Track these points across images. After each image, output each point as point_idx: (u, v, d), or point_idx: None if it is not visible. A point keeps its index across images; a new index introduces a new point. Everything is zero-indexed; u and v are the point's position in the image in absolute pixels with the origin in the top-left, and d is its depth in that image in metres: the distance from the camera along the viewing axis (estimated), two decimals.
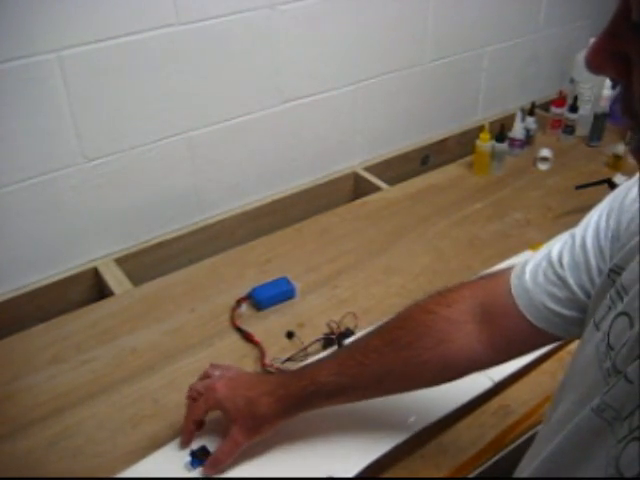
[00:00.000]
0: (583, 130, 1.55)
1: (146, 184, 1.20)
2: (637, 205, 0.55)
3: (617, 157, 1.44)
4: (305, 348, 0.96)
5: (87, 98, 1.05)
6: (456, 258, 1.18)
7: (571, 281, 0.61)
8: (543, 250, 0.66)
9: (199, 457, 0.78)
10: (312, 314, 1.05)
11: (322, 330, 0.99)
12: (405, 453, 0.81)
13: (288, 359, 0.94)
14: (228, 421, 0.76)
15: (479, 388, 0.87)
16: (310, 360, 0.93)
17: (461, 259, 1.17)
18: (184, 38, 1.10)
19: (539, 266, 0.65)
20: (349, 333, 0.98)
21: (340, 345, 0.93)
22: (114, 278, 1.15)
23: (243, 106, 1.24)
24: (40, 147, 1.05)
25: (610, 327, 0.50)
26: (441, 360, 0.70)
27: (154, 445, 0.82)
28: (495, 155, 1.42)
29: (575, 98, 1.52)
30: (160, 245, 1.24)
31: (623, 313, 0.49)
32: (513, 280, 0.67)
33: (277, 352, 0.97)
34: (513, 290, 0.66)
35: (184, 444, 0.80)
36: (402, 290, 1.09)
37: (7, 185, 1.04)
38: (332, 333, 0.97)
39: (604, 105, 1.52)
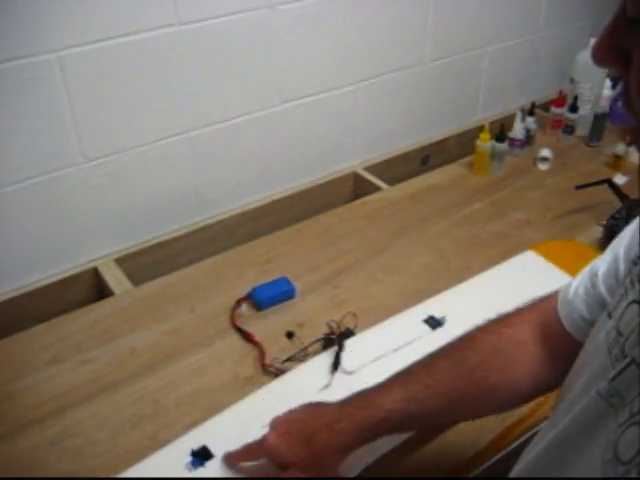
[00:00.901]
0: (583, 130, 1.55)
1: (146, 184, 1.20)
2: None
3: (617, 157, 1.44)
4: (305, 348, 0.96)
5: (87, 98, 1.05)
6: (456, 258, 1.18)
7: (602, 288, 0.61)
8: (591, 263, 0.67)
9: (200, 457, 0.78)
10: (312, 314, 1.05)
11: (322, 330, 0.99)
12: (405, 453, 0.81)
13: (288, 359, 0.94)
14: (287, 465, 0.70)
15: None
16: (310, 361, 0.93)
17: (461, 259, 1.17)
18: (184, 38, 1.10)
19: (583, 279, 0.65)
20: (349, 333, 0.98)
21: (341, 345, 0.93)
22: (114, 278, 1.15)
23: (243, 106, 1.24)
24: (40, 147, 1.05)
25: (621, 315, 0.50)
26: (509, 384, 0.67)
27: (154, 445, 0.82)
28: (495, 155, 1.42)
29: (575, 98, 1.52)
30: (160, 245, 1.24)
31: (635, 301, 0.49)
32: (560, 295, 0.67)
33: (277, 352, 0.97)
34: (559, 305, 0.66)
35: (229, 463, 0.78)
36: (402, 290, 1.09)
37: (7, 185, 1.04)
38: (332, 333, 0.97)
39: (604, 105, 1.52)
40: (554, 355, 0.67)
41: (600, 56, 0.39)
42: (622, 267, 0.60)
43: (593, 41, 0.40)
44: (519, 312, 0.71)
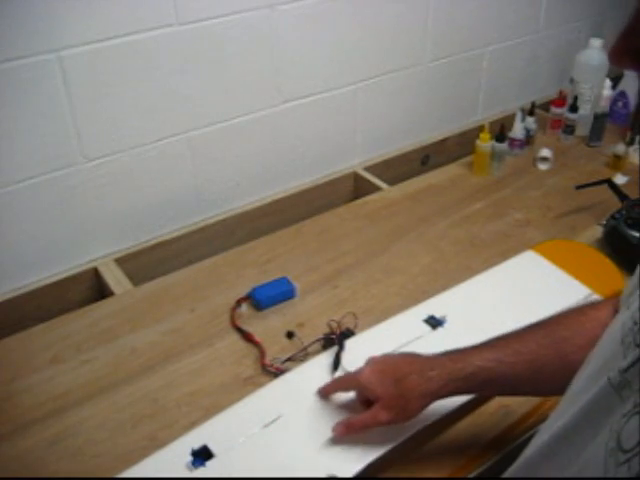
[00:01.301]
0: (583, 130, 1.55)
1: (146, 184, 1.20)
2: None
3: (617, 157, 1.44)
4: (305, 348, 0.96)
5: (87, 98, 1.05)
6: (456, 258, 1.18)
7: None
8: None
9: (200, 457, 0.78)
10: (312, 314, 1.05)
11: (322, 330, 0.99)
12: (405, 453, 0.81)
13: (288, 359, 0.94)
14: (374, 400, 0.77)
15: None
16: (310, 361, 0.93)
17: (461, 259, 1.17)
18: (184, 38, 1.10)
19: None
20: (349, 333, 0.98)
21: (341, 345, 0.93)
22: (114, 278, 1.15)
23: (243, 106, 1.24)
24: (40, 147, 1.05)
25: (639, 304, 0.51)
26: None
27: (154, 445, 0.82)
28: (495, 155, 1.42)
29: (575, 98, 1.52)
30: (160, 245, 1.24)
31: None
32: None
33: (277, 352, 0.97)
34: None
35: (322, 396, 0.85)
36: (402, 290, 1.09)
37: (7, 185, 1.04)
38: (332, 333, 0.97)
39: (604, 105, 1.52)
40: None
41: (616, 59, 0.41)
42: None
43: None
44: (606, 299, 0.76)
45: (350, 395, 0.84)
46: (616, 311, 0.68)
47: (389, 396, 0.75)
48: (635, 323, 0.50)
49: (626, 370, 0.47)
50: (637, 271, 0.60)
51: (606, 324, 0.66)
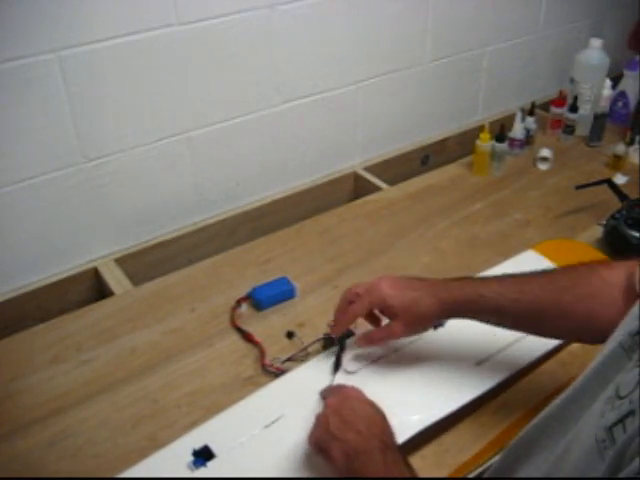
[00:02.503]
0: (583, 130, 1.55)
1: (146, 184, 1.20)
2: None
3: (617, 157, 1.44)
4: (305, 348, 0.96)
5: (87, 98, 1.05)
6: (456, 258, 1.18)
7: None
8: None
9: (201, 457, 0.78)
10: (312, 314, 1.05)
11: (322, 330, 0.99)
12: (405, 453, 0.81)
13: (288, 359, 0.94)
14: (390, 315, 0.84)
15: (482, 387, 0.87)
16: (310, 361, 0.93)
17: (461, 259, 1.17)
18: (184, 38, 1.10)
19: None
20: (349, 333, 0.97)
21: (342, 345, 0.93)
22: (114, 278, 1.15)
23: (243, 106, 1.24)
24: (40, 147, 1.04)
25: None
26: (587, 313, 0.75)
27: (154, 445, 0.82)
28: (495, 155, 1.42)
29: (575, 98, 1.52)
30: (160, 245, 1.24)
31: None
32: None
33: (277, 352, 0.97)
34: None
35: (336, 333, 0.89)
36: None
37: (7, 185, 1.04)
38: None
39: (604, 105, 1.52)
40: (628, 306, 0.72)
41: (634, 44, 0.45)
42: None
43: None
44: (621, 260, 0.79)
45: None
46: (629, 277, 0.74)
47: (407, 313, 0.82)
48: None
49: (637, 333, 0.51)
50: None
51: (614, 285, 0.75)
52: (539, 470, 0.60)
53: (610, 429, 0.46)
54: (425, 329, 0.85)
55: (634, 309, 0.57)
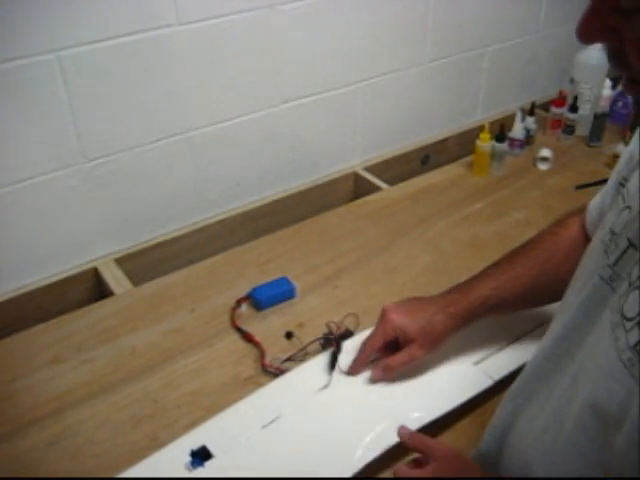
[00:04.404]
0: (583, 130, 1.55)
1: (146, 184, 1.20)
2: None
3: (617, 157, 1.43)
4: (304, 348, 0.96)
5: (87, 98, 1.06)
6: (456, 258, 1.18)
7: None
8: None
9: (199, 457, 0.78)
10: (312, 314, 1.05)
11: (322, 330, 0.99)
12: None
13: (287, 359, 0.94)
14: (406, 341, 0.85)
15: (479, 387, 0.87)
16: (309, 361, 0.93)
17: (461, 259, 1.17)
18: (184, 38, 1.10)
19: (602, 192, 0.81)
20: (349, 333, 0.97)
21: (339, 346, 0.93)
22: (114, 278, 1.15)
23: (243, 106, 1.24)
24: (40, 147, 1.05)
25: (615, 220, 0.60)
26: (570, 272, 0.80)
27: (154, 445, 0.82)
28: (495, 155, 1.42)
29: (575, 98, 1.52)
30: (160, 245, 1.24)
31: (626, 207, 0.60)
32: (589, 204, 0.85)
33: (277, 352, 0.97)
34: (587, 212, 0.84)
35: (354, 372, 0.89)
36: (402, 290, 1.09)
37: (7, 185, 1.04)
38: (331, 333, 0.97)
39: (604, 105, 1.52)
40: None
41: (587, 36, 0.45)
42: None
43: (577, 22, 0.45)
44: (571, 215, 0.90)
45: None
46: (583, 225, 0.85)
47: (422, 335, 0.84)
48: (613, 233, 0.59)
49: (615, 264, 0.56)
50: (597, 197, 0.80)
51: (576, 239, 0.85)
52: (543, 411, 0.62)
53: (635, 347, 0.49)
54: (444, 343, 0.86)
55: (594, 251, 0.63)
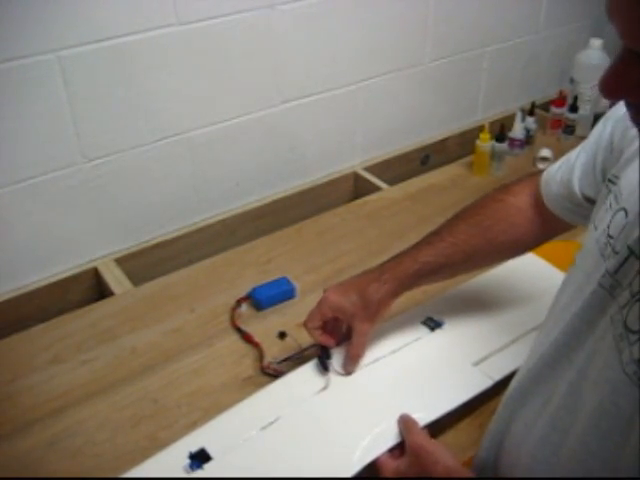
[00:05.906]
0: (583, 130, 1.55)
1: (146, 184, 1.20)
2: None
3: None
4: (302, 350, 0.95)
5: (87, 98, 1.06)
6: None
7: (576, 188, 0.76)
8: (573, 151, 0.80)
9: (198, 459, 0.78)
10: None
11: None
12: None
13: (284, 360, 0.94)
14: (348, 319, 0.86)
15: (479, 387, 0.87)
16: (309, 362, 0.93)
17: None
18: (184, 38, 1.10)
19: (561, 166, 0.81)
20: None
21: (326, 350, 0.91)
22: (114, 278, 1.15)
23: (243, 106, 1.24)
24: (40, 147, 1.05)
25: (610, 222, 0.59)
26: (513, 241, 0.86)
27: (154, 445, 0.82)
28: (495, 155, 1.42)
29: (575, 98, 1.52)
30: (160, 245, 1.24)
31: (621, 209, 0.58)
32: (544, 175, 0.84)
33: (277, 352, 0.97)
34: (542, 182, 0.84)
35: (323, 342, 0.89)
36: None
37: (7, 185, 1.04)
38: None
39: (604, 105, 1.52)
40: (543, 218, 0.85)
41: (613, 93, 0.44)
42: (599, 177, 0.72)
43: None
44: (519, 182, 0.89)
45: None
46: (536, 195, 0.85)
47: (360, 308, 0.84)
48: (611, 237, 0.58)
49: (616, 272, 0.55)
50: (556, 169, 0.80)
51: (522, 208, 0.86)
52: (539, 416, 0.62)
53: (639, 361, 0.49)
54: (388, 310, 0.86)
55: (589, 252, 0.61)
